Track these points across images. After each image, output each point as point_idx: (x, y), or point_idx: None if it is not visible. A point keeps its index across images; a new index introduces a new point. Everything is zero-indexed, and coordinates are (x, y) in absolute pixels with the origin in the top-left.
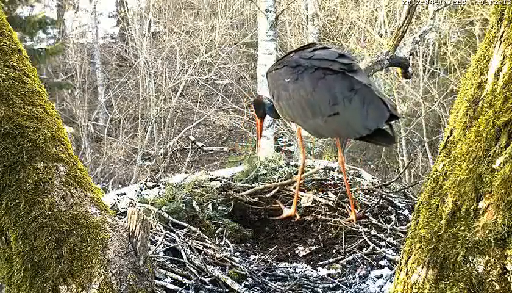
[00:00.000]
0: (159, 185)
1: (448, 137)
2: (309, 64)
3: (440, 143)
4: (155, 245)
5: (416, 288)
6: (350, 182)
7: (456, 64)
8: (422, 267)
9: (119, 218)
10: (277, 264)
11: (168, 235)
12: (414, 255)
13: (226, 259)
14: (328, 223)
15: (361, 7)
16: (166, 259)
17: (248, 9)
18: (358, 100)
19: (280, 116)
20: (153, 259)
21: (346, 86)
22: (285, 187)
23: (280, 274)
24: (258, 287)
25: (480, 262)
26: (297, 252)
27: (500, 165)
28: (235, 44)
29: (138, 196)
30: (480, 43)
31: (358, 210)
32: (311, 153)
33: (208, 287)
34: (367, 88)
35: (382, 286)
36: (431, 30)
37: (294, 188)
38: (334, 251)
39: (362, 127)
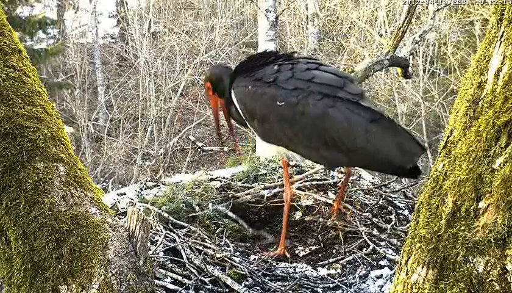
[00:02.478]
0: (159, 185)
1: (448, 137)
2: (313, 89)
3: (440, 143)
4: (155, 245)
5: (415, 288)
6: (350, 182)
7: (456, 64)
8: (422, 267)
9: (119, 218)
10: (277, 263)
11: (168, 235)
12: (414, 255)
13: (226, 259)
14: (328, 223)
15: (361, 7)
16: (166, 259)
17: (248, 9)
18: (383, 133)
19: (248, 126)
20: (153, 259)
21: (365, 117)
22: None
23: (280, 274)
24: (258, 287)
25: (480, 262)
26: (297, 252)
27: (500, 165)
28: (235, 44)
29: (138, 196)
30: (480, 43)
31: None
32: None
33: (208, 287)
34: (389, 120)
35: (382, 286)
36: (431, 30)
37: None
38: (334, 251)
39: (394, 164)
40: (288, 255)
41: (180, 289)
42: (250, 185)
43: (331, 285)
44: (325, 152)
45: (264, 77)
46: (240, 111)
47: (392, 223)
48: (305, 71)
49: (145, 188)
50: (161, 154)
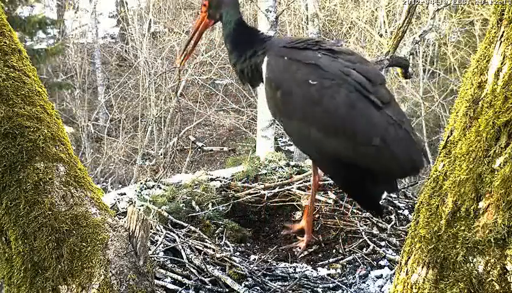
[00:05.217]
0: (159, 185)
1: (448, 137)
2: (349, 81)
3: (440, 143)
4: (155, 245)
5: (415, 288)
6: None
7: (456, 64)
8: (422, 267)
9: (119, 218)
10: (277, 264)
11: (168, 235)
12: (414, 255)
13: (226, 259)
14: (327, 223)
15: (361, 7)
16: (166, 259)
17: (248, 9)
18: (399, 140)
19: (245, 82)
20: (153, 259)
21: (387, 120)
22: (285, 186)
23: (280, 274)
24: (258, 287)
25: (480, 262)
26: (295, 253)
27: (500, 165)
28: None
29: (138, 196)
30: (480, 43)
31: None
32: None
33: (208, 287)
34: (407, 131)
35: (382, 286)
36: (431, 30)
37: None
38: (334, 251)
39: (396, 172)
40: (317, 239)
41: (180, 289)
42: (250, 185)
43: (331, 285)
44: (333, 142)
45: (304, 58)
46: (265, 77)
47: (392, 223)
48: (344, 67)
49: (145, 188)
50: (161, 154)
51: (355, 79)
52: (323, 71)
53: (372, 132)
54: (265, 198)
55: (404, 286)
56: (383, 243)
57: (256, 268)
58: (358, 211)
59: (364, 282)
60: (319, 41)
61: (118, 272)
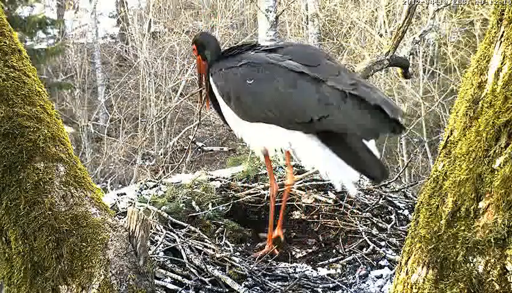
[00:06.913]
0: (159, 185)
1: (448, 137)
2: (283, 64)
3: (440, 143)
4: (155, 245)
5: (415, 288)
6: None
7: (456, 64)
8: (422, 267)
9: (119, 218)
10: (277, 264)
11: (168, 235)
12: (414, 255)
13: (226, 259)
14: (327, 223)
15: (361, 6)
16: (166, 259)
17: (248, 9)
18: (350, 109)
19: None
20: (153, 259)
21: (331, 91)
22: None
23: (280, 274)
24: (258, 287)
25: (480, 262)
26: (293, 254)
27: (500, 165)
28: (235, 44)
29: (138, 196)
30: (480, 43)
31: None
32: None
33: (208, 287)
34: (357, 98)
35: (382, 286)
36: (431, 30)
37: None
38: (334, 251)
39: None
40: (277, 252)
41: (180, 289)
42: (250, 185)
43: (331, 285)
44: (295, 125)
45: (237, 61)
46: (217, 94)
47: (392, 223)
48: (282, 55)
49: (145, 188)
50: (161, 154)
51: (288, 65)
52: (255, 66)
53: (314, 106)
54: (265, 198)
55: (404, 286)
56: (383, 243)
57: (256, 268)
58: (358, 211)
59: (364, 282)
60: (255, 45)
61: (118, 272)
